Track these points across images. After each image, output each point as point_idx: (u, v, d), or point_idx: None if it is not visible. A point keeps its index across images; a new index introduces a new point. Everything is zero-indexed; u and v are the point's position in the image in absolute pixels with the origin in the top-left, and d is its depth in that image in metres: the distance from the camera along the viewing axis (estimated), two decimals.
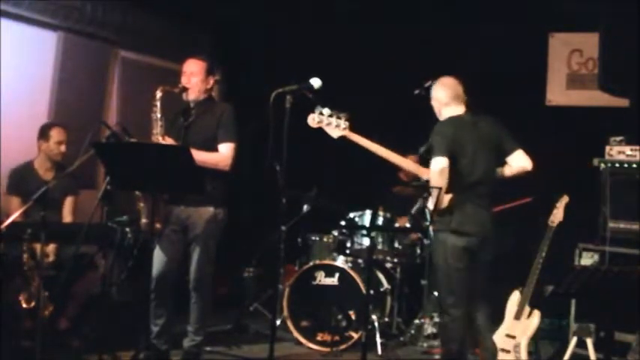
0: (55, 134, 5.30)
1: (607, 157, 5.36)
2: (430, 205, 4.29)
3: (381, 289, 5.88)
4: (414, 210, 6.01)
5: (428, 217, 5.83)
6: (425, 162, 4.55)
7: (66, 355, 4.91)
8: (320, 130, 4.26)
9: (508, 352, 4.46)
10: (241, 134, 4.79)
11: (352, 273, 5.61)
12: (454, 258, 4.24)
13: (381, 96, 6.98)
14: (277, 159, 4.29)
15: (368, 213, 6.03)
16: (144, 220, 4.61)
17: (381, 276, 5.97)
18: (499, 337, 4.62)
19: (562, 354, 4.74)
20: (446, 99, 4.47)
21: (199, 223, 4.72)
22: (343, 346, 5.53)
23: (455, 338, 4.30)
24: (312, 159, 6.67)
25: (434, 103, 4.56)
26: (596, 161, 5.37)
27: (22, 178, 5.27)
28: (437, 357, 5.52)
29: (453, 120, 4.40)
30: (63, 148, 5.31)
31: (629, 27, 4.90)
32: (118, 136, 4.77)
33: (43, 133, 5.32)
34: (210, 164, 4.61)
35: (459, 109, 4.44)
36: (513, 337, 4.47)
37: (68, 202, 5.40)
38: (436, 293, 5.75)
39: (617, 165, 5.30)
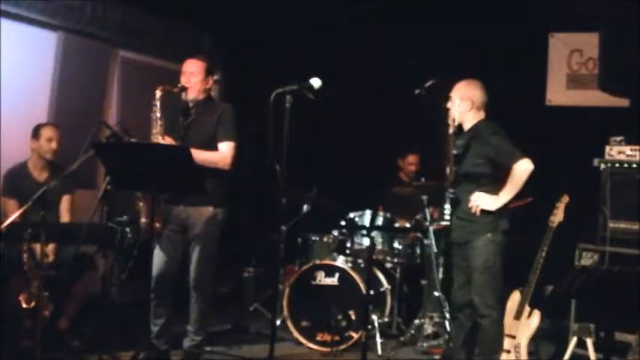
0: (45, 132, 5.29)
1: (607, 157, 5.36)
2: (494, 206, 4.34)
3: (381, 289, 5.88)
4: (419, 216, 6.01)
5: (428, 218, 5.84)
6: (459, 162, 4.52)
7: (66, 355, 4.91)
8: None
9: (508, 352, 4.46)
10: (241, 134, 4.79)
11: (352, 273, 5.61)
12: (501, 258, 4.37)
13: (381, 96, 6.98)
14: (277, 159, 4.29)
15: (368, 213, 6.04)
16: (144, 220, 4.61)
17: (381, 276, 5.97)
18: None
19: (562, 354, 4.73)
20: (480, 103, 4.50)
21: (199, 223, 4.72)
22: (343, 346, 5.53)
23: (500, 344, 4.42)
24: (312, 159, 6.67)
25: (464, 102, 4.48)
26: (596, 161, 5.37)
27: (17, 180, 5.26)
28: (437, 357, 5.53)
29: (497, 124, 4.47)
30: (54, 145, 5.29)
31: (629, 27, 4.90)
32: (118, 136, 4.78)
33: (34, 133, 5.31)
34: (210, 163, 4.62)
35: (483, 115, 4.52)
36: (513, 337, 4.47)
37: (65, 201, 5.39)
38: (436, 293, 5.75)
39: (617, 165, 5.29)
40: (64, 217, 5.38)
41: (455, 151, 4.45)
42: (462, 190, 4.45)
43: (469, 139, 4.44)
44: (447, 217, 4.53)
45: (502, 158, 4.33)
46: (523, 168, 4.28)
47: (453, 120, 4.47)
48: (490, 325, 4.37)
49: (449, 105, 4.52)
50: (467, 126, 4.51)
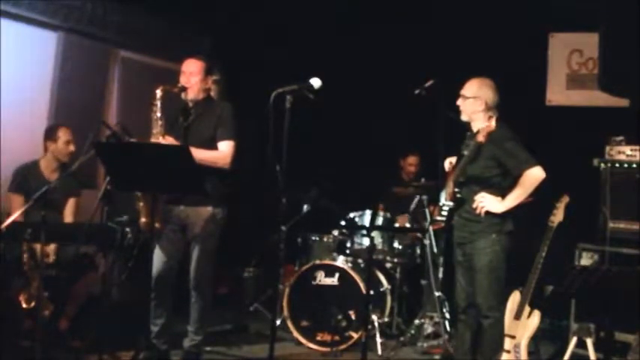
0: (63, 134, 5.31)
1: (607, 157, 5.36)
2: (499, 208, 4.31)
3: (381, 289, 5.88)
4: (412, 207, 6.01)
5: (428, 217, 5.85)
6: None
7: (66, 355, 4.91)
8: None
9: (508, 352, 4.46)
10: (241, 134, 4.79)
11: (352, 273, 5.61)
12: (505, 259, 4.36)
13: (381, 96, 6.98)
14: (277, 159, 4.29)
15: (368, 213, 6.04)
16: (144, 220, 4.61)
17: (381, 276, 5.97)
18: None
19: (562, 354, 4.73)
20: (492, 103, 4.42)
21: (198, 223, 4.73)
22: (343, 346, 5.53)
23: (500, 345, 4.40)
24: (312, 159, 6.67)
25: (477, 102, 4.39)
26: (596, 161, 5.37)
27: (27, 177, 5.26)
28: (437, 357, 5.53)
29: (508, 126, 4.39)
30: (72, 147, 5.32)
31: (629, 27, 4.89)
32: (119, 136, 4.77)
33: (51, 135, 5.31)
34: (210, 162, 4.62)
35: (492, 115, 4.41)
36: (513, 337, 4.47)
37: (70, 204, 5.39)
38: (437, 293, 5.76)
39: (617, 165, 5.30)
40: (68, 219, 5.37)
41: (465, 152, 4.43)
42: (467, 190, 4.43)
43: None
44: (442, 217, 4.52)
45: (515, 164, 4.29)
46: (535, 175, 4.26)
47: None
48: (492, 325, 4.37)
49: (459, 102, 4.48)
50: (476, 126, 4.42)
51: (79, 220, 5.30)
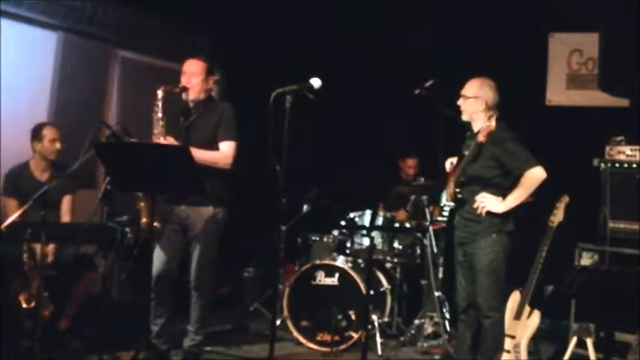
0: (48, 133, 5.28)
1: (607, 157, 5.36)
2: (500, 209, 4.31)
3: (381, 289, 5.88)
4: (408, 206, 6.02)
5: (428, 217, 5.85)
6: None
7: (66, 355, 4.91)
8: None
9: (508, 352, 4.46)
10: (242, 134, 4.80)
11: (352, 273, 5.61)
12: (505, 259, 4.37)
13: (381, 96, 6.98)
14: (277, 159, 4.29)
15: (368, 213, 6.04)
16: (144, 220, 4.61)
17: (381, 276, 5.97)
18: None
19: (562, 354, 4.73)
20: (492, 103, 4.41)
21: (199, 223, 4.73)
22: (343, 346, 5.53)
23: (500, 345, 4.40)
24: (312, 159, 6.67)
25: (477, 102, 4.40)
26: (596, 161, 5.37)
27: (18, 180, 5.27)
28: (437, 357, 5.53)
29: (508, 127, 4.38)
30: (58, 145, 5.29)
31: (629, 27, 4.90)
32: (119, 136, 4.77)
33: (36, 134, 5.29)
34: (211, 162, 4.62)
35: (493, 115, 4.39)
36: (513, 337, 4.47)
37: (66, 202, 5.39)
38: (437, 293, 5.76)
39: (617, 165, 5.30)
40: (65, 217, 5.37)
41: (466, 152, 4.43)
42: (467, 190, 4.43)
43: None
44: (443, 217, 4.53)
45: (515, 165, 4.29)
46: (536, 175, 4.25)
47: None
48: (492, 325, 4.38)
49: (460, 102, 4.48)
50: (477, 126, 4.41)
51: (78, 220, 5.30)
